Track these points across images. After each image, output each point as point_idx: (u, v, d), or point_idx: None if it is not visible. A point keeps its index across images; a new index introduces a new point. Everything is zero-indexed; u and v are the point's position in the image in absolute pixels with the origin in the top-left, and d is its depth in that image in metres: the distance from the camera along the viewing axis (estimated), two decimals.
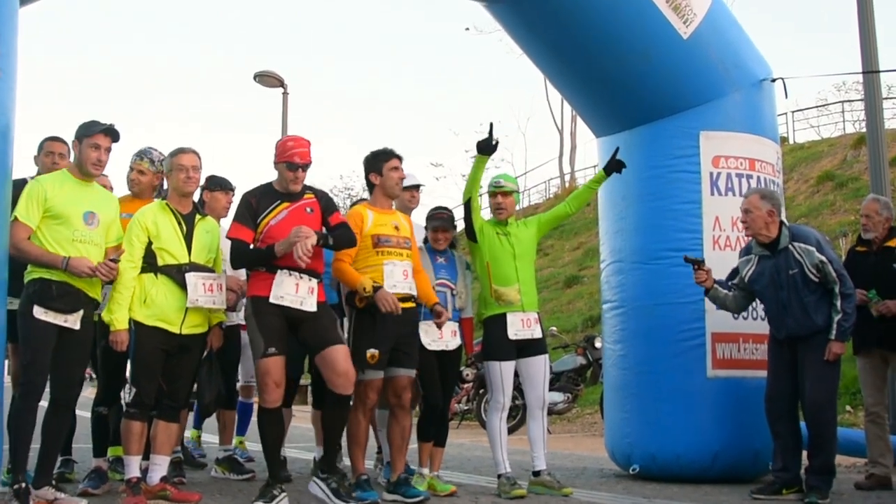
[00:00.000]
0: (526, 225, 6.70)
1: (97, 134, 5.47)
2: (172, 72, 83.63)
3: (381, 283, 5.82)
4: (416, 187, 7.03)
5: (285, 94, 18.82)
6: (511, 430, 12.57)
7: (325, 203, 5.87)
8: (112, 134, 5.53)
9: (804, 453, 6.43)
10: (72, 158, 5.70)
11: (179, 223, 5.72)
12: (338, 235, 5.72)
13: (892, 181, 11.34)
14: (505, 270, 6.45)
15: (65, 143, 6.21)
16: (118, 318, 5.45)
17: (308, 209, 5.74)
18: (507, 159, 51.94)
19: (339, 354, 5.55)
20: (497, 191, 6.64)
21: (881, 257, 6.80)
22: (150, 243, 5.60)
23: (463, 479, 7.06)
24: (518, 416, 12.55)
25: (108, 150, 5.56)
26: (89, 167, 5.47)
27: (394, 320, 5.81)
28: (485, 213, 6.89)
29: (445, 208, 6.82)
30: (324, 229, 5.71)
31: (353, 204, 7.43)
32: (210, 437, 8.44)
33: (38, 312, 5.18)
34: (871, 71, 9.31)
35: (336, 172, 61.15)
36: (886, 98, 25.38)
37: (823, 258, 6.17)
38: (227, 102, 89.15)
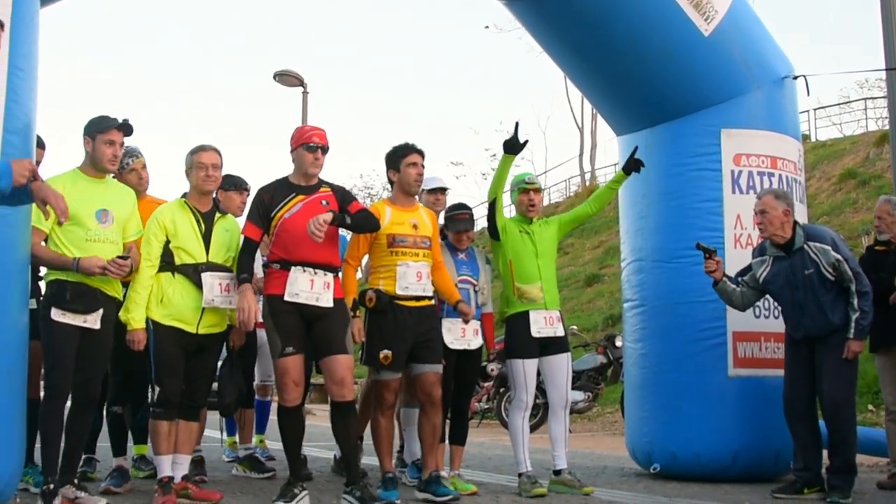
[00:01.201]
0: (547, 224, 6.69)
1: (112, 130, 5.40)
2: (191, 71, 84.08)
3: (395, 284, 5.81)
4: (443, 190, 7.02)
5: (305, 93, 18.88)
6: (532, 429, 12.57)
7: (342, 195, 5.81)
8: (126, 129, 5.47)
9: (825, 452, 6.40)
10: (83, 156, 5.56)
11: (198, 221, 5.68)
12: (357, 217, 5.67)
13: None
14: (528, 268, 6.43)
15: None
16: (135, 317, 5.43)
17: (324, 202, 5.66)
18: (528, 158, 51.81)
19: (340, 364, 5.51)
20: (529, 188, 6.61)
21: None
22: (168, 242, 5.57)
23: (484, 478, 7.07)
24: (539, 414, 12.55)
25: (122, 145, 5.53)
26: (105, 164, 5.41)
27: (410, 320, 5.81)
28: (505, 211, 6.87)
29: (466, 206, 6.82)
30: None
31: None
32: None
33: (56, 315, 5.16)
34: (894, 68, 9.24)
35: (356, 171, 61.15)
36: None
37: (839, 257, 6.15)
38: (247, 102, 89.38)
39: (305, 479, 6.19)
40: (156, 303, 5.51)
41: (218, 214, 5.83)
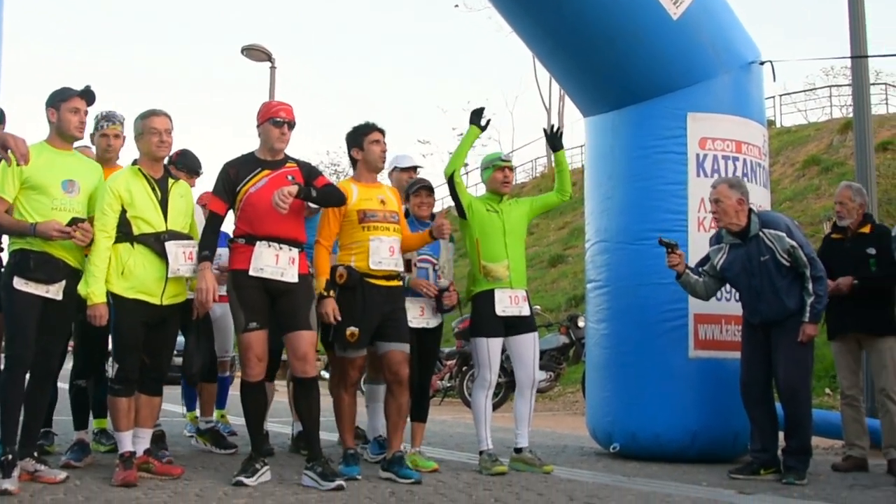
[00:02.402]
0: (518, 204, 6.70)
1: (74, 97, 5.37)
2: (157, 43, 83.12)
3: (367, 259, 5.79)
4: (415, 168, 7.04)
5: (273, 68, 18.76)
6: (494, 408, 12.65)
7: (308, 171, 5.78)
8: (88, 96, 5.43)
9: (781, 435, 6.49)
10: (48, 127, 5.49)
11: (154, 189, 5.55)
12: (323, 190, 5.65)
13: (877, 166, 11.40)
14: (494, 247, 6.43)
15: None
16: (95, 291, 5.27)
17: (289, 177, 5.62)
18: (495, 138, 51.91)
19: (303, 340, 5.50)
20: (505, 164, 6.64)
21: (855, 244, 6.85)
22: (123, 212, 5.43)
23: (445, 456, 7.10)
24: (501, 393, 12.60)
25: (86, 113, 5.47)
26: (73, 131, 5.38)
27: (378, 298, 5.79)
28: (471, 190, 6.86)
29: (424, 180, 6.83)
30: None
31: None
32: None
33: (19, 283, 5.11)
34: (859, 56, 9.33)
35: (323, 148, 60.92)
36: (874, 84, 25.43)
37: (794, 243, 6.23)
38: (214, 76, 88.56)
39: (267, 454, 6.19)
40: (116, 276, 5.37)
41: (171, 181, 5.71)
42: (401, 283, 6.05)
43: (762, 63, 7.85)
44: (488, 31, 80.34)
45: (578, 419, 10.88)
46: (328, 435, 7.00)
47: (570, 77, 8.05)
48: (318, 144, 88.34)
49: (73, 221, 5.16)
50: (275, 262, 5.45)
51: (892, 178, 18.62)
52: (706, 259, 6.69)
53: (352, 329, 5.72)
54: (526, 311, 6.49)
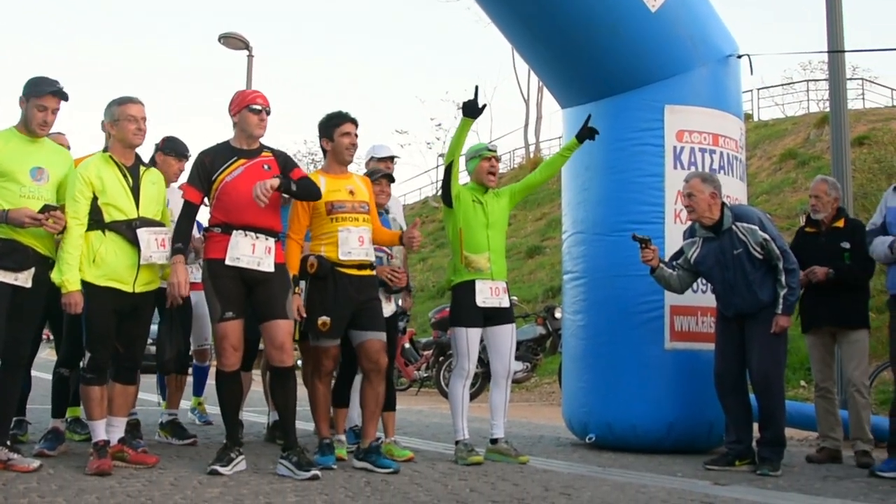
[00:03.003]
0: (499, 195, 6.68)
1: (46, 95, 5.30)
2: (134, 32, 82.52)
3: (336, 250, 5.76)
4: (391, 158, 7.04)
5: (250, 56, 18.68)
6: (470, 398, 12.67)
7: (284, 161, 5.72)
8: (60, 95, 5.35)
9: (756, 426, 6.53)
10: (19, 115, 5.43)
11: (125, 176, 5.48)
12: (301, 184, 5.60)
13: (853, 161, 11.48)
14: (477, 238, 6.43)
15: None
16: (69, 279, 5.20)
17: (265, 166, 5.59)
18: (473, 129, 51.88)
19: (280, 329, 5.46)
20: (492, 155, 6.65)
21: (829, 238, 6.89)
22: (94, 199, 5.36)
23: (421, 446, 7.11)
24: (478, 383, 12.62)
25: (56, 111, 5.38)
26: (35, 127, 5.32)
27: (351, 287, 5.78)
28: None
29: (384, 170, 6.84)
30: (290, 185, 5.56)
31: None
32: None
33: None
34: (836, 50, 9.37)
35: (300, 137, 60.72)
36: (850, 78, 25.62)
37: (767, 236, 6.27)
38: (191, 64, 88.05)
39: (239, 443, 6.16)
40: (87, 263, 5.30)
41: (142, 168, 5.64)
42: (373, 272, 6.03)
43: (740, 56, 7.87)
44: (467, 22, 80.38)
45: (555, 410, 10.91)
46: (304, 424, 7.00)
47: (549, 68, 8.05)
48: (294, 134, 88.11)
49: (46, 209, 5.12)
50: (251, 252, 5.41)
51: (868, 172, 18.71)
52: (680, 253, 6.72)
53: (323, 318, 5.71)
54: (506, 303, 6.51)
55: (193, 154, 6.40)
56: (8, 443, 5.28)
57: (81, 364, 5.48)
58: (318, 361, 5.89)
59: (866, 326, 6.91)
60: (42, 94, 5.28)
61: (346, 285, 5.78)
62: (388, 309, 6.43)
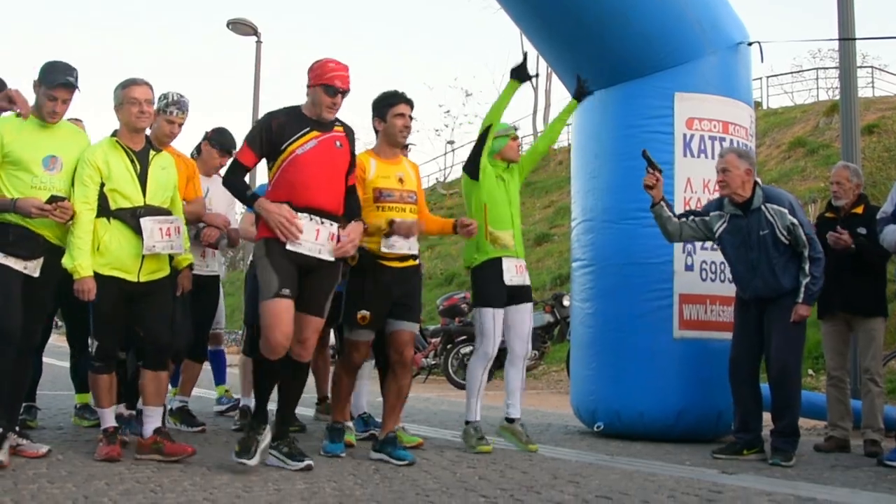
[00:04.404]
0: (513, 173, 6.56)
1: (58, 87, 5.12)
2: (143, 17, 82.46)
3: (380, 242, 5.58)
4: (405, 146, 7.01)
5: (259, 42, 18.68)
6: None
7: (352, 140, 5.39)
8: (70, 87, 5.17)
9: (765, 415, 6.52)
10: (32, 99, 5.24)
11: (132, 161, 5.32)
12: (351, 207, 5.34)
13: (862, 149, 11.44)
14: (502, 214, 6.31)
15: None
16: (81, 264, 5.06)
17: (338, 143, 5.24)
18: (481, 115, 51.86)
19: (309, 325, 5.16)
20: (515, 133, 6.60)
21: (847, 223, 6.85)
22: (101, 185, 5.23)
23: (429, 433, 7.11)
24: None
25: (67, 101, 5.21)
26: (45, 116, 5.17)
27: (392, 281, 5.62)
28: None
29: None
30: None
31: None
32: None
33: None
34: (847, 38, 9.33)
35: None
36: (861, 66, 25.50)
37: (795, 221, 6.19)
38: (200, 50, 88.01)
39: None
40: (91, 251, 5.17)
41: (152, 152, 5.46)
42: (416, 262, 5.83)
43: (750, 44, 7.84)
44: (476, 8, 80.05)
45: (563, 398, 10.92)
46: (304, 410, 7.00)
47: (558, 55, 8.02)
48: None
49: (52, 200, 5.00)
50: (314, 238, 5.07)
51: (878, 160, 18.65)
52: (701, 212, 6.62)
53: (363, 312, 5.57)
54: (528, 281, 6.45)
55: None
56: (17, 428, 5.29)
57: (89, 352, 5.43)
58: (349, 355, 5.78)
59: (884, 315, 6.89)
60: (52, 86, 5.13)
61: (388, 278, 5.62)
62: None
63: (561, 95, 49.61)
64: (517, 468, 5.49)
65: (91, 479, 4.52)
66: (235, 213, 7.40)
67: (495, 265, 6.24)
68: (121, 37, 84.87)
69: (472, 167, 6.37)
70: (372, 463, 5.49)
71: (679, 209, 7.07)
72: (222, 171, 6.83)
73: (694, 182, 7.22)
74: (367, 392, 6.86)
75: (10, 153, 5.07)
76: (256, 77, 18.99)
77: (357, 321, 5.59)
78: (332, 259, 5.14)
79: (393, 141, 5.83)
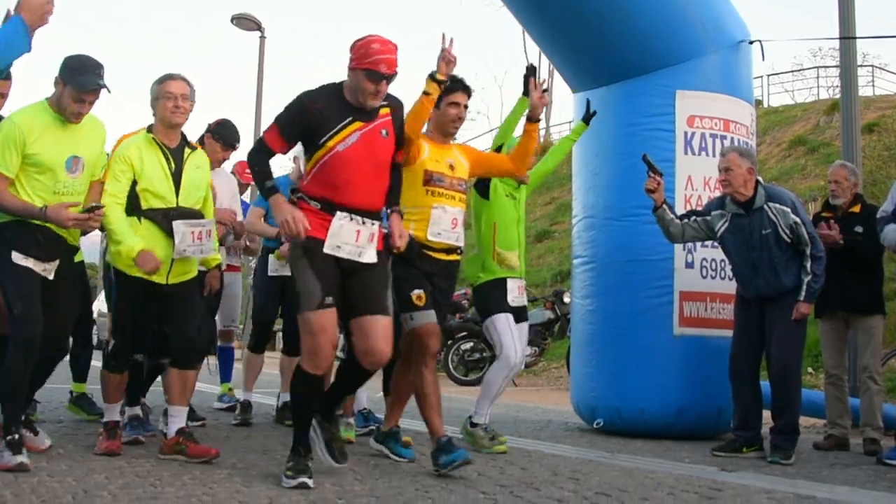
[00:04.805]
0: (521, 190, 6.44)
1: (87, 92, 4.74)
2: (147, 11, 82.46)
3: (426, 229, 5.21)
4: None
5: (262, 37, 18.71)
6: (473, 382, 12.72)
7: (399, 122, 4.85)
8: (96, 92, 4.78)
9: (765, 413, 6.53)
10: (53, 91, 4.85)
11: (167, 159, 5.11)
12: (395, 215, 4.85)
13: (862, 148, 11.46)
14: (510, 234, 6.21)
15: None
16: (130, 245, 4.88)
17: (384, 132, 4.70)
18: (484, 112, 51.88)
19: (378, 326, 4.59)
20: None
21: (844, 222, 6.86)
22: (133, 183, 5.03)
23: (422, 428, 7.10)
24: (485, 367, 12.64)
25: (94, 102, 4.83)
26: (68, 116, 4.77)
27: (435, 271, 5.24)
28: None
29: None
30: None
31: None
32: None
33: (18, 258, 4.66)
34: (848, 37, 9.34)
35: None
36: (861, 65, 25.49)
37: (798, 220, 6.20)
38: (203, 46, 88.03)
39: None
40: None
41: (188, 150, 5.26)
42: (459, 256, 5.49)
43: (751, 42, 7.86)
44: (478, 5, 79.99)
45: (563, 394, 10.93)
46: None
47: (560, 52, 8.03)
48: None
49: (91, 209, 4.69)
50: (355, 240, 4.60)
51: (878, 159, 18.69)
52: (702, 212, 6.64)
53: (417, 292, 5.13)
54: (525, 301, 6.42)
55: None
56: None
57: (105, 349, 5.31)
58: (423, 344, 5.17)
59: (882, 312, 6.92)
60: (83, 90, 4.73)
61: (432, 269, 5.26)
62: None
63: (563, 92, 49.64)
64: (517, 465, 5.50)
65: (91, 473, 4.53)
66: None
67: (500, 285, 6.19)
68: (125, 32, 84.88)
69: (482, 186, 6.27)
70: (371, 459, 5.49)
71: (680, 206, 7.10)
72: (225, 165, 6.82)
73: (695, 180, 7.24)
74: (367, 388, 6.83)
75: (34, 155, 4.71)
76: (260, 73, 19.03)
77: (414, 303, 5.13)
78: (374, 262, 4.68)
79: (443, 129, 5.50)
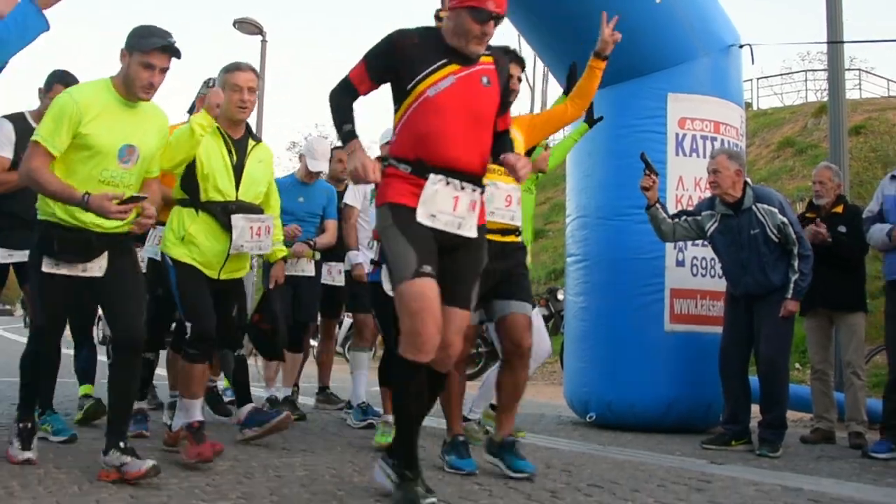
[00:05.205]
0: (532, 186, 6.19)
1: (153, 51, 4.26)
2: (148, 15, 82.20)
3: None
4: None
5: (264, 41, 18.77)
6: (471, 377, 12.73)
7: (504, 76, 4.13)
8: (172, 52, 4.33)
9: (754, 407, 6.65)
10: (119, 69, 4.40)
11: (230, 151, 4.88)
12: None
13: (849, 150, 11.60)
14: (526, 231, 5.68)
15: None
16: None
17: (484, 79, 3.98)
18: None
19: (455, 320, 3.93)
20: (547, 143, 6.06)
21: (828, 222, 6.96)
22: (193, 171, 4.81)
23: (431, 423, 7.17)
24: (481, 363, 12.65)
25: (165, 70, 4.34)
26: (138, 90, 4.30)
27: (492, 256, 4.33)
28: None
29: None
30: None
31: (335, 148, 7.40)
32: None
33: (47, 265, 4.28)
34: (835, 41, 9.45)
35: (312, 121, 60.72)
36: (848, 69, 25.67)
37: (785, 220, 6.31)
38: (206, 49, 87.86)
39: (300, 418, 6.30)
40: (175, 239, 4.79)
41: (251, 142, 5.03)
42: (519, 238, 5.01)
43: (741, 46, 7.96)
44: None
45: (556, 389, 11.00)
46: (306, 399, 6.99)
47: (554, 55, 8.07)
48: (307, 119, 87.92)
49: (132, 200, 4.22)
50: (452, 209, 3.88)
51: (864, 160, 18.86)
52: (693, 212, 6.75)
53: None
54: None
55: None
56: (121, 444, 4.32)
57: (186, 338, 4.88)
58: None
59: (864, 310, 7.03)
60: (148, 49, 4.26)
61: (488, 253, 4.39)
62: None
63: (558, 95, 49.84)
64: None
65: (96, 464, 4.42)
66: None
67: None
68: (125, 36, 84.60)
69: None
70: (371, 451, 5.52)
71: (671, 206, 7.19)
72: None
73: (686, 180, 7.36)
74: (366, 381, 6.94)
75: (87, 136, 4.24)
76: (262, 76, 19.08)
77: None
78: (475, 235, 3.99)
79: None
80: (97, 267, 4.36)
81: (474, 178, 3.95)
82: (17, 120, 5.49)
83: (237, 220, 4.82)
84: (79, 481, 4.17)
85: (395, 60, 3.91)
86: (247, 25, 18.54)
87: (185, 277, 4.77)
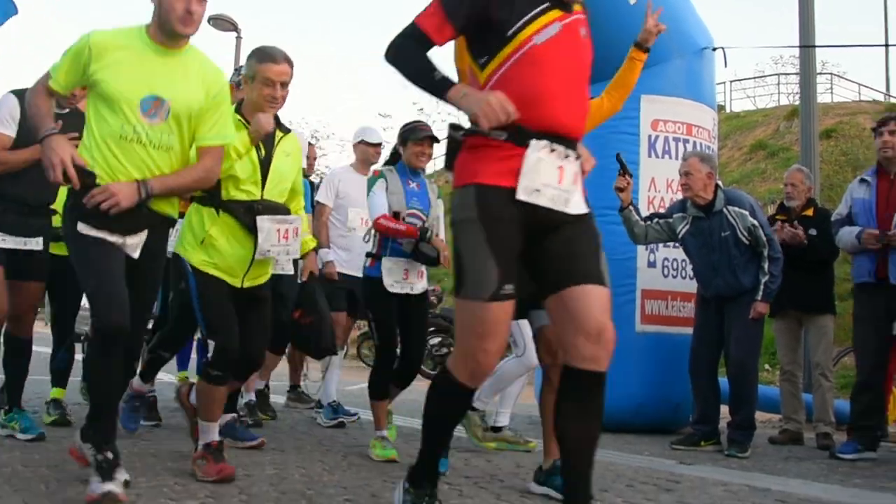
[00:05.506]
0: None
1: None
2: (122, 12, 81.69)
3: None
4: (379, 144, 7.05)
5: (239, 38, 18.71)
6: None
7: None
8: None
9: (723, 408, 6.69)
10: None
11: (257, 145, 4.35)
12: None
13: (820, 153, 11.70)
14: None
15: None
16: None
17: (583, 30, 3.34)
18: (454, 113, 51.68)
19: (596, 299, 3.15)
20: None
21: (799, 224, 6.99)
22: None
23: (397, 421, 7.16)
24: None
25: (204, 1, 3.76)
26: (174, 23, 3.69)
27: None
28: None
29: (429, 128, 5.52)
30: None
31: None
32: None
33: (83, 228, 3.67)
34: (808, 45, 9.54)
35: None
36: (820, 73, 25.91)
37: (756, 222, 6.36)
38: None
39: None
40: (194, 243, 4.27)
41: (279, 134, 4.51)
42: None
43: (714, 49, 8.01)
44: None
45: (528, 389, 10.98)
46: (277, 398, 6.96)
47: None
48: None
49: (86, 176, 3.57)
50: (557, 181, 3.14)
51: (835, 164, 19.02)
52: (665, 215, 6.78)
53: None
54: None
55: None
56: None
57: (207, 357, 4.38)
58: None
59: (832, 312, 7.09)
60: None
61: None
62: (420, 286, 5.42)
63: None
64: (482, 457, 5.59)
65: (64, 462, 4.38)
66: None
67: None
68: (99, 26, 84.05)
69: None
70: (340, 450, 5.54)
71: (643, 207, 7.23)
72: None
73: (658, 182, 7.39)
74: (338, 380, 6.93)
75: (100, 82, 3.68)
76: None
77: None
78: (585, 210, 3.29)
79: None
80: (135, 245, 3.82)
81: (575, 146, 3.27)
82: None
83: (263, 221, 4.27)
84: (46, 479, 4.13)
85: (489, 3, 3.13)
86: (222, 22, 18.48)
87: (205, 290, 4.24)
